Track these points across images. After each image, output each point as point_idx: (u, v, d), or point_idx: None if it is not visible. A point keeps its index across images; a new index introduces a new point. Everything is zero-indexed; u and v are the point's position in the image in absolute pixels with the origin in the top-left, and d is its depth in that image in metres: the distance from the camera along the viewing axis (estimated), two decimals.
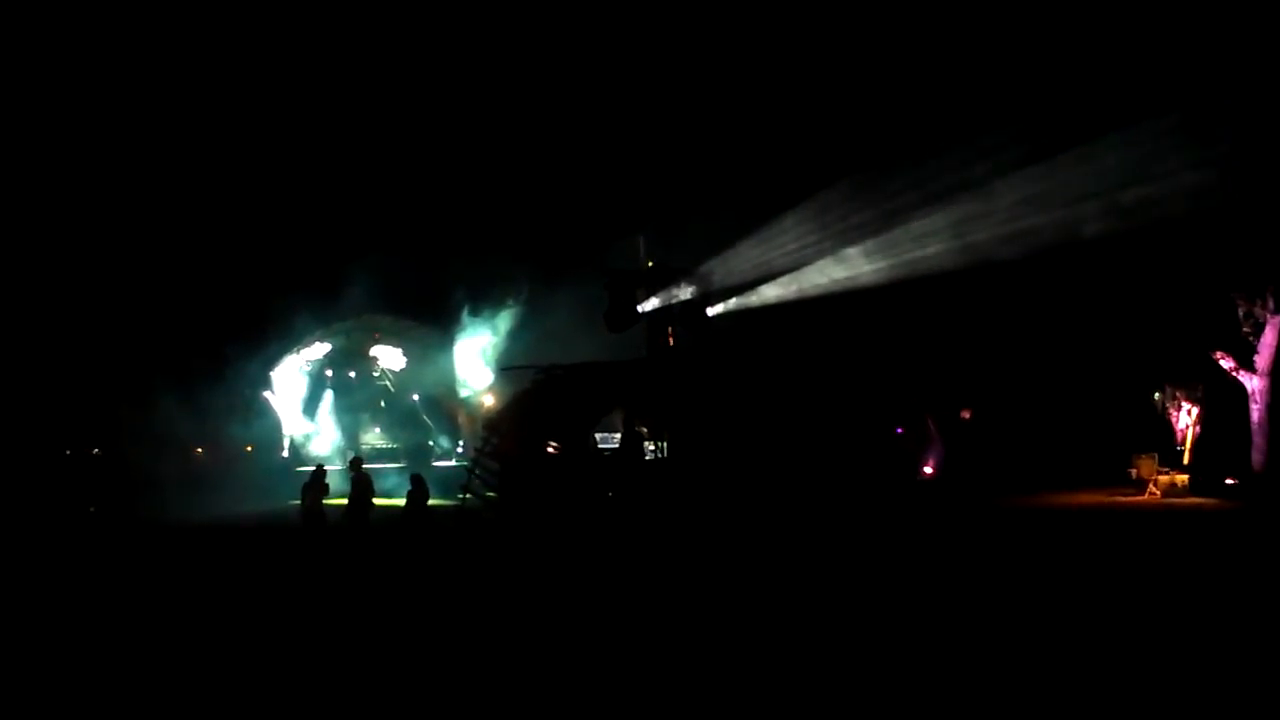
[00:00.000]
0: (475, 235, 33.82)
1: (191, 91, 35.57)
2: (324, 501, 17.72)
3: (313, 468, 19.27)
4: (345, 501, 17.74)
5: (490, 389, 37.62)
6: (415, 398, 41.54)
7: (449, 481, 26.92)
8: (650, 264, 22.77)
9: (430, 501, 18.02)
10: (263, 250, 36.31)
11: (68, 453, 35.08)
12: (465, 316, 38.08)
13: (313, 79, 37.01)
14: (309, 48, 36.00)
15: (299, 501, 18.14)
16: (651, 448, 22.50)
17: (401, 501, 18.16)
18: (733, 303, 23.48)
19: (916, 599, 11.95)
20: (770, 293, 23.50)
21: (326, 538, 17.10)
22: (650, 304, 23.05)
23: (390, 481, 29.30)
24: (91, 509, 28.74)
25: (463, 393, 39.61)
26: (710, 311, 23.34)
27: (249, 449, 38.62)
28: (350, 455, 34.29)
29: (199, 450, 37.54)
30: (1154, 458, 24.75)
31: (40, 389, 32.60)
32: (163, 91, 34.99)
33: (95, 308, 34.46)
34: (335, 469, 18.78)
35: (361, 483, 17.61)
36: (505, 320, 37.59)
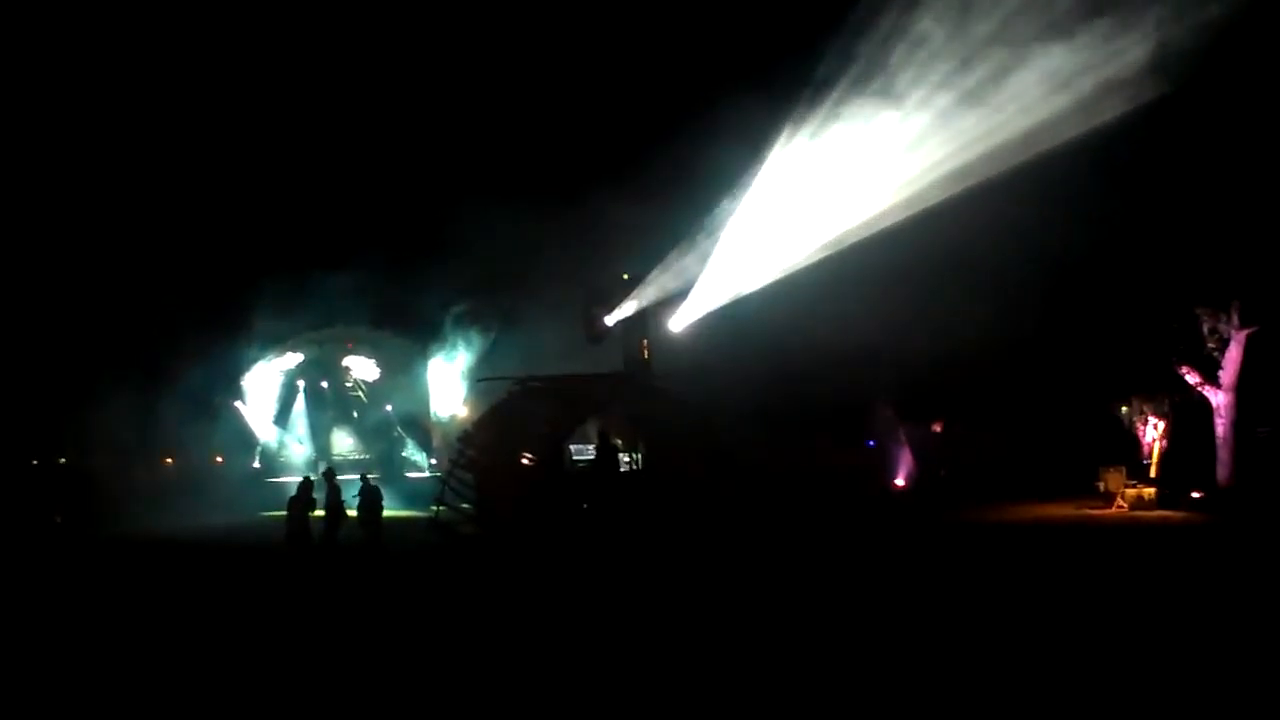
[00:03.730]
0: (452, 246, 33.74)
1: (176, 92, 35.40)
2: (311, 514, 17.51)
3: (299, 480, 19.07)
4: (323, 514, 17.61)
5: (465, 401, 37.53)
6: (388, 409, 41.35)
7: (421, 494, 26.83)
8: (625, 276, 22.81)
9: (402, 513, 17.94)
10: (235, 257, 36.12)
11: (34, 462, 34.62)
12: (442, 329, 38.02)
13: (306, 87, 36.96)
14: (293, 55, 35.89)
15: (284, 513, 17.89)
16: (626, 459, 22.50)
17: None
18: (693, 312, 23.46)
19: (886, 614, 12.05)
20: (717, 300, 23.43)
21: (311, 557, 16.91)
22: (623, 316, 23.07)
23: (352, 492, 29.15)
24: (57, 519, 28.33)
25: (434, 409, 39.49)
26: (676, 322, 23.37)
27: (218, 459, 38.29)
28: (323, 466, 34.15)
29: (167, 460, 37.17)
30: (1122, 471, 25.04)
31: (6, 397, 32.18)
32: (142, 90, 34.76)
33: (63, 316, 34.09)
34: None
35: (334, 494, 17.53)
36: (481, 335, 37.51)
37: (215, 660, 10.68)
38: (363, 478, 19.17)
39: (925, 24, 19.48)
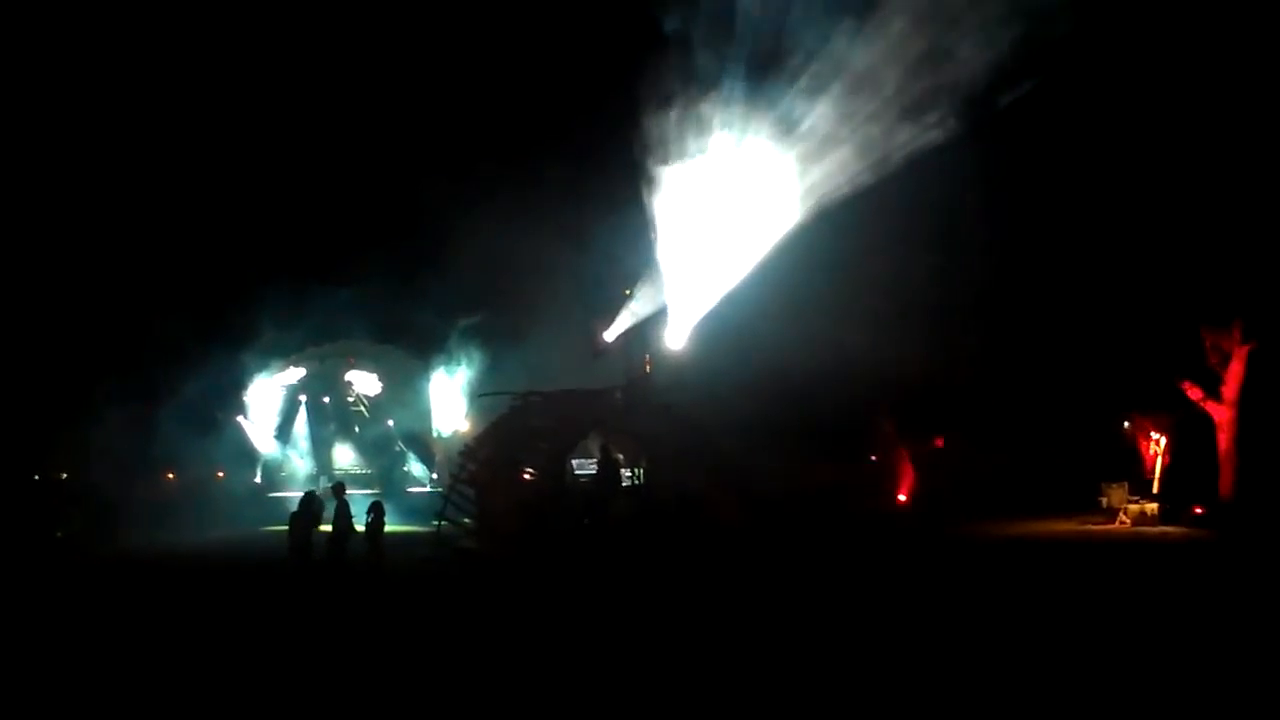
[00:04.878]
0: (455, 261, 33.73)
1: (178, 105, 35.46)
2: (316, 529, 17.40)
3: (300, 494, 18.93)
4: (330, 529, 17.46)
5: (467, 416, 37.50)
6: (390, 423, 41.34)
7: (423, 508, 26.79)
8: (627, 291, 22.87)
9: (404, 528, 17.79)
10: (238, 271, 36.16)
11: (35, 477, 34.56)
12: (445, 343, 38.00)
13: (311, 101, 37.02)
14: (297, 67, 35.98)
15: (286, 527, 17.78)
16: (628, 474, 22.47)
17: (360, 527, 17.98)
18: (694, 327, 23.51)
19: (891, 629, 12.03)
20: (719, 315, 23.47)
21: (314, 575, 16.80)
22: (625, 331, 23.12)
23: (359, 507, 29.15)
24: (59, 534, 28.26)
25: (436, 424, 39.45)
26: (678, 337, 23.40)
27: (220, 474, 38.25)
28: (323, 480, 34.08)
29: (169, 475, 37.10)
30: (1124, 486, 25.03)
31: (6, 412, 32.17)
32: (143, 102, 34.82)
33: (65, 330, 34.12)
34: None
35: (343, 510, 17.40)
36: (483, 350, 37.47)
37: (215, 680, 10.66)
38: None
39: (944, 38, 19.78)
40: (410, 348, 40.15)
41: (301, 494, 18.74)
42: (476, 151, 35.73)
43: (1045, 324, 27.38)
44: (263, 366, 38.67)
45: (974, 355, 28.66)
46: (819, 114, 22.23)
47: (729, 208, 22.24)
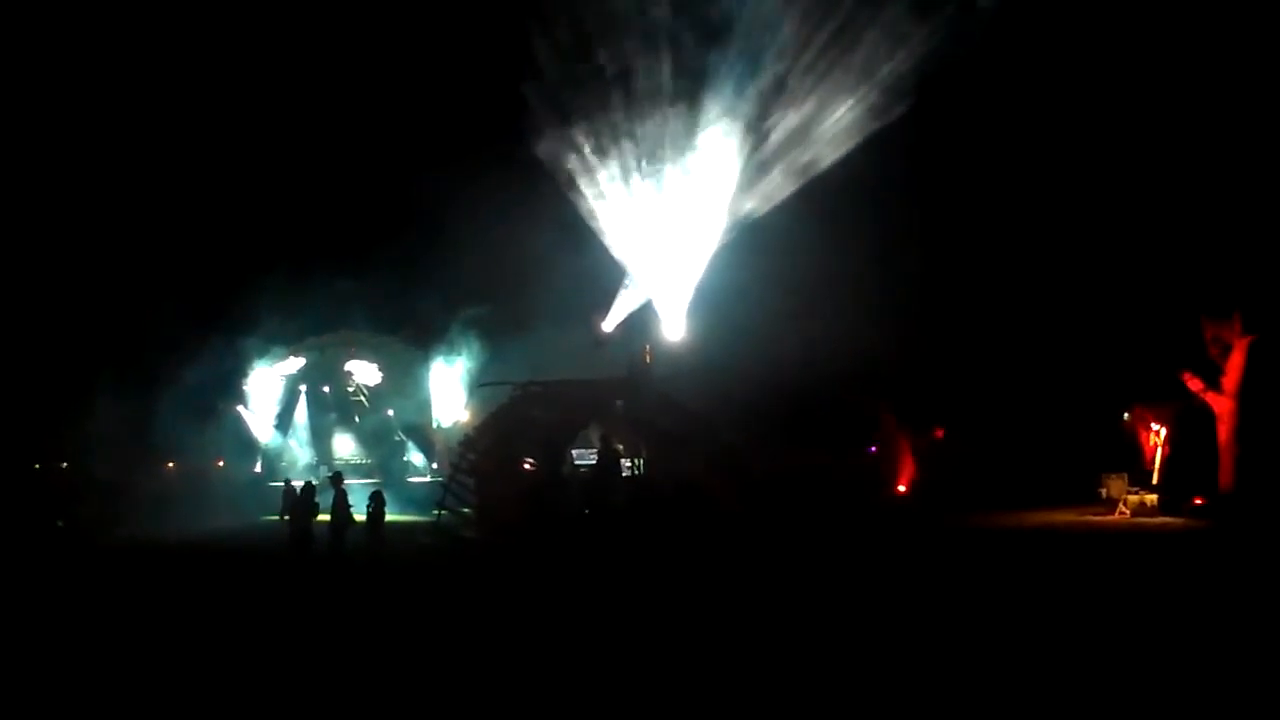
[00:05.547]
0: (456, 251, 33.70)
1: (179, 97, 35.44)
2: (315, 519, 17.42)
3: (300, 484, 18.95)
4: (329, 518, 17.48)
5: (467, 406, 37.52)
6: (390, 413, 41.34)
7: (423, 498, 26.83)
8: (628, 283, 22.90)
9: (404, 517, 17.82)
10: (238, 261, 36.18)
11: (36, 466, 34.59)
12: (446, 333, 37.98)
13: (316, 84, 37.00)
14: (298, 58, 35.93)
15: (286, 517, 17.78)
16: (628, 464, 22.50)
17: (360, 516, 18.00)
18: (694, 318, 23.56)
19: (891, 620, 12.04)
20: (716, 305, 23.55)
21: (314, 564, 16.82)
22: (626, 322, 23.16)
23: (359, 497, 29.24)
24: (60, 524, 28.28)
25: (436, 414, 39.46)
26: (678, 327, 23.42)
27: (220, 463, 38.31)
28: (323, 470, 34.11)
29: (169, 464, 37.16)
30: (1124, 477, 25.03)
31: (7, 401, 32.19)
32: (144, 95, 34.80)
33: (66, 321, 34.13)
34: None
35: (341, 500, 17.43)
36: (483, 340, 37.44)
37: (216, 669, 10.67)
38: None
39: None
40: (410, 338, 40.13)
41: (301, 484, 18.77)
42: (477, 142, 35.71)
43: (1046, 315, 27.37)
44: (263, 356, 38.67)
45: (974, 346, 28.65)
46: (815, 103, 22.26)
47: (719, 199, 22.30)
